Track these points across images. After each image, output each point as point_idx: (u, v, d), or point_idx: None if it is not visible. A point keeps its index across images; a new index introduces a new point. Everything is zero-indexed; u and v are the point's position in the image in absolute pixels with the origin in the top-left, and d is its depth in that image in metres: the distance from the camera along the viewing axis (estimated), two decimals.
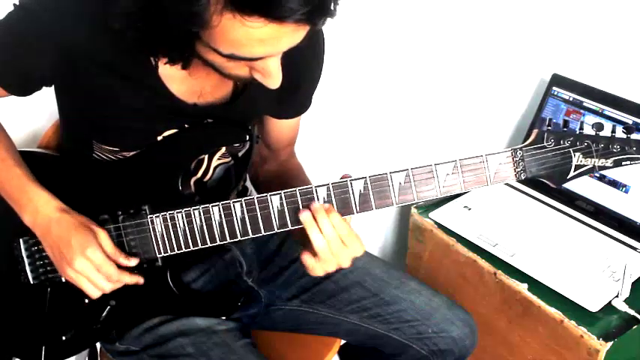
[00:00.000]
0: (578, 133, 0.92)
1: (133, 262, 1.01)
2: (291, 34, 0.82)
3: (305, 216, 0.94)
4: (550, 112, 1.70)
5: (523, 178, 0.94)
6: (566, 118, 1.67)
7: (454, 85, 1.75)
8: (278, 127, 1.21)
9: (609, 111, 1.59)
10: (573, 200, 1.64)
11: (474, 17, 1.68)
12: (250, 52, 0.83)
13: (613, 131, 0.92)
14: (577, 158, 0.92)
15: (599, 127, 0.92)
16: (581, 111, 1.64)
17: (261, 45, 0.82)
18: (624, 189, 1.56)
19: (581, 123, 0.94)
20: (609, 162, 0.92)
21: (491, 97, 1.81)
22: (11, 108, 1.12)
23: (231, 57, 0.85)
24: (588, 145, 0.92)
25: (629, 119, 1.55)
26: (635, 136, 0.92)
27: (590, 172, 0.93)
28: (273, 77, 0.89)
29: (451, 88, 1.75)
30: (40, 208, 0.99)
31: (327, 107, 1.62)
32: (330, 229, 0.94)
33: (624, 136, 0.92)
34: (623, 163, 0.92)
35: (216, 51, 0.84)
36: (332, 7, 0.83)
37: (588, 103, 1.63)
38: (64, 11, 0.94)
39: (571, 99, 1.66)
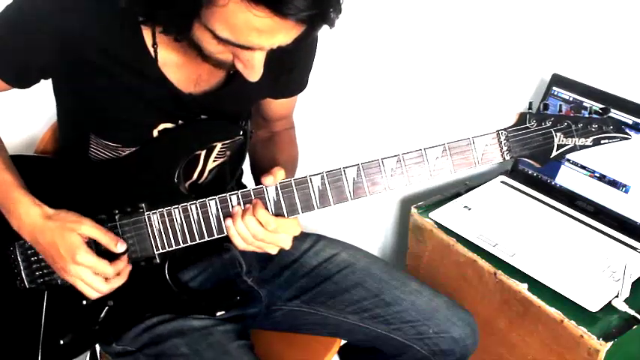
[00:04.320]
0: (558, 114, 0.98)
1: (121, 247, 1.01)
2: (287, 32, 0.85)
3: (227, 223, 1.00)
4: (550, 112, 1.70)
5: (508, 158, 0.98)
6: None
7: (454, 85, 1.75)
8: (273, 103, 1.22)
9: None
10: (573, 200, 1.64)
11: (474, 17, 1.68)
12: (245, 39, 0.85)
13: (590, 112, 0.98)
14: (558, 138, 0.97)
15: (577, 108, 0.98)
16: (581, 111, 1.64)
17: (257, 35, 0.84)
18: (624, 189, 1.56)
19: (560, 106, 0.99)
20: (589, 141, 0.98)
21: (491, 97, 1.81)
22: (8, 112, 1.12)
23: (224, 41, 0.86)
24: (568, 124, 0.97)
25: (629, 119, 1.55)
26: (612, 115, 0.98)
27: (571, 150, 0.98)
28: (254, 70, 0.91)
29: (451, 88, 1.75)
30: (23, 216, 1.00)
31: (328, 104, 1.62)
32: (243, 228, 0.99)
33: (600, 116, 0.98)
34: (602, 141, 0.97)
35: (212, 32, 0.85)
36: (333, 18, 0.86)
37: (588, 103, 1.63)
38: (63, 3, 0.95)
39: (571, 99, 1.66)
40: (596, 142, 0.98)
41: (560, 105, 0.99)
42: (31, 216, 0.99)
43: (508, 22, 1.72)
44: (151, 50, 0.99)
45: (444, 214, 1.62)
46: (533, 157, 0.98)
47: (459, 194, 1.70)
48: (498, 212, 1.63)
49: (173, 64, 1.01)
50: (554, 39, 1.76)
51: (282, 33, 0.85)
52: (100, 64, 0.98)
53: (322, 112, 1.63)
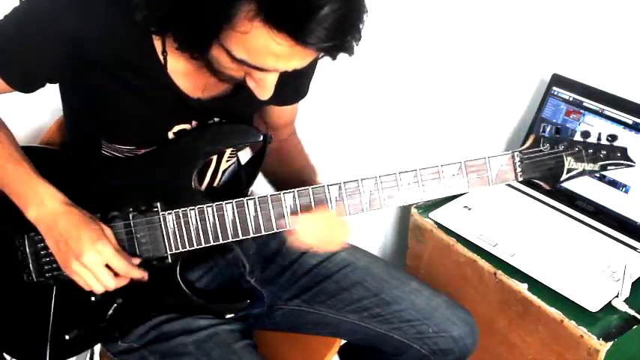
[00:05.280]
0: (570, 138, 1.02)
1: (136, 261, 1.02)
2: (304, 57, 0.86)
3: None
4: (550, 112, 1.70)
5: (521, 179, 1.02)
6: (566, 118, 1.67)
7: (454, 85, 1.75)
8: (277, 110, 1.22)
9: (609, 111, 1.59)
10: (573, 200, 1.64)
11: (474, 17, 1.68)
12: (261, 62, 0.86)
13: (599, 139, 1.02)
14: (569, 162, 1.01)
15: (585, 134, 1.02)
16: (581, 111, 1.64)
17: (274, 59, 0.85)
18: (624, 189, 1.56)
19: (572, 131, 1.01)
20: (597, 166, 1.02)
21: (491, 97, 1.81)
22: (13, 104, 1.11)
23: (239, 61, 0.86)
24: (579, 150, 1.01)
25: (629, 119, 1.55)
26: (618, 143, 1.02)
27: (579, 175, 1.02)
28: (266, 90, 0.92)
29: (451, 88, 1.75)
30: (46, 202, 0.99)
31: (330, 111, 1.62)
32: None
33: (608, 143, 1.02)
34: (609, 167, 1.02)
35: (228, 52, 0.86)
36: (353, 48, 0.87)
37: (588, 103, 1.63)
38: (73, 6, 0.94)
39: (571, 99, 1.66)
40: (603, 168, 1.02)
41: (573, 131, 1.03)
42: (54, 202, 0.99)
43: (508, 23, 1.72)
44: (161, 57, 0.98)
45: (444, 214, 1.62)
46: (543, 179, 1.02)
47: (459, 194, 1.70)
48: (498, 212, 1.63)
49: (182, 72, 1.01)
50: (554, 39, 1.76)
51: (299, 58, 0.86)
52: (109, 68, 0.97)
53: (334, 122, 1.63)
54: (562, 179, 1.02)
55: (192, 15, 0.84)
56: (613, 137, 1.02)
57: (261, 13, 0.79)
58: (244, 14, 0.80)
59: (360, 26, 0.86)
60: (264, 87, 0.92)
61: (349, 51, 0.88)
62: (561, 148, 1.01)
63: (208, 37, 0.86)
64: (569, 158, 1.01)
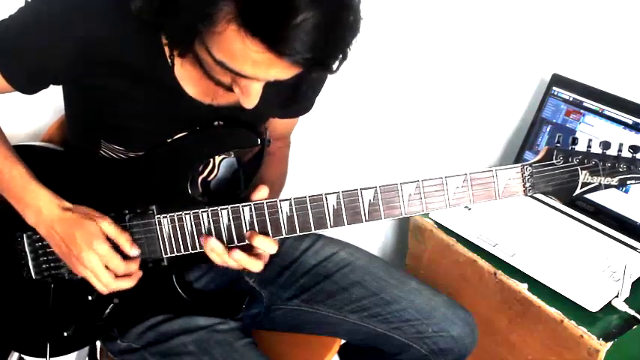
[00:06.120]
0: (586, 151, 0.94)
1: (135, 251, 1.00)
2: (283, 69, 0.84)
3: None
4: (550, 112, 1.70)
5: (531, 194, 0.96)
6: (566, 118, 1.67)
7: (455, 85, 1.75)
8: (277, 123, 1.22)
9: (609, 111, 1.59)
10: (573, 200, 1.63)
11: (474, 17, 1.68)
12: (239, 67, 0.85)
13: (619, 150, 0.94)
14: (584, 176, 0.94)
15: (605, 145, 0.94)
16: (581, 111, 1.64)
17: (251, 66, 0.83)
18: (624, 189, 1.56)
19: (589, 141, 0.95)
20: (615, 180, 0.94)
21: (491, 97, 1.81)
22: (13, 103, 1.11)
23: (220, 64, 0.86)
24: (596, 163, 0.94)
25: (629, 119, 1.55)
26: None
27: (595, 189, 0.95)
28: (249, 98, 0.91)
29: (452, 88, 1.75)
30: (43, 209, 0.99)
31: (326, 112, 1.62)
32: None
33: (630, 155, 0.94)
34: (628, 182, 0.94)
35: (209, 53, 0.85)
36: (333, 66, 0.85)
37: (588, 103, 1.63)
38: (81, 7, 0.94)
39: (571, 99, 1.66)
40: (622, 183, 0.95)
41: (590, 140, 0.95)
42: (50, 208, 0.99)
43: (508, 23, 1.72)
44: (169, 60, 0.98)
45: (444, 214, 1.62)
46: (555, 193, 0.96)
47: None
48: (498, 212, 1.63)
49: (189, 77, 1.01)
50: (554, 39, 1.76)
51: (278, 69, 0.84)
52: (117, 74, 0.97)
53: (331, 125, 1.63)
54: (576, 194, 0.95)
55: (177, 9, 0.84)
56: (635, 149, 0.94)
57: (239, 17, 0.78)
58: (223, 15, 0.79)
59: (345, 46, 0.84)
60: (248, 95, 0.91)
61: (330, 70, 0.85)
62: (576, 161, 0.94)
63: (189, 34, 0.85)
64: (584, 172, 0.94)
